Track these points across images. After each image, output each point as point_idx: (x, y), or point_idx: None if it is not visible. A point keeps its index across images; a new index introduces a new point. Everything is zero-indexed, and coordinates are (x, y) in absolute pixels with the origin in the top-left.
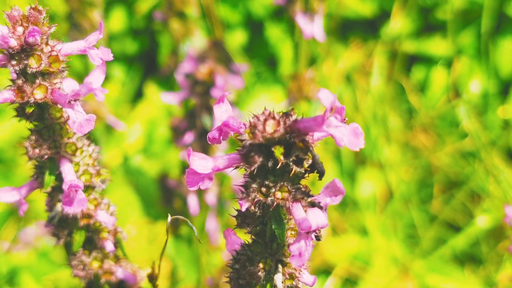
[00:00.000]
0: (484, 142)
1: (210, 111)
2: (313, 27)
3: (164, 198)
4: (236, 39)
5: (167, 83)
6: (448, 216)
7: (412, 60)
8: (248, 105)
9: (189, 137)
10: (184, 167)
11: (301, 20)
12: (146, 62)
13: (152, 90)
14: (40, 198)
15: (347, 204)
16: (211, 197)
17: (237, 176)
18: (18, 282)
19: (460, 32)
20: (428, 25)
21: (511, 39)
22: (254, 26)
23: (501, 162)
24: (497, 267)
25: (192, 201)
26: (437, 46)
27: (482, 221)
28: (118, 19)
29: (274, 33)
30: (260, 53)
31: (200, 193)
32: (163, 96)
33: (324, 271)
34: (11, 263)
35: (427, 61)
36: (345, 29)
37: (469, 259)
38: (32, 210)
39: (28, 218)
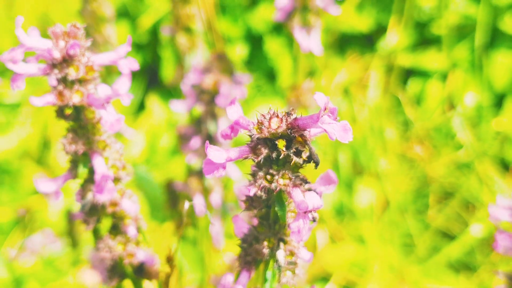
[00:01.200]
0: (478, 153)
1: (215, 118)
2: (310, 41)
3: (170, 201)
4: (237, 52)
5: (169, 96)
6: (444, 225)
7: (408, 74)
8: (248, 116)
9: (195, 142)
10: (190, 171)
11: (298, 35)
12: (148, 75)
13: (154, 103)
14: (44, 208)
15: (344, 214)
16: (216, 199)
17: (238, 181)
18: None
19: (454, 46)
20: (424, 40)
21: (504, 53)
22: (254, 40)
23: (495, 172)
24: (491, 275)
25: (198, 203)
26: (432, 60)
27: (476, 230)
28: (121, 34)
29: (274, 47)
30: (260, 67)
31: (205, 195)
32: (172, 104)
33: (323, 278)
34: (17, 271)
35: (423, 74)
36: (343, 43)
37: (464, 267)
38: (38, 219)
39: (34, 227)
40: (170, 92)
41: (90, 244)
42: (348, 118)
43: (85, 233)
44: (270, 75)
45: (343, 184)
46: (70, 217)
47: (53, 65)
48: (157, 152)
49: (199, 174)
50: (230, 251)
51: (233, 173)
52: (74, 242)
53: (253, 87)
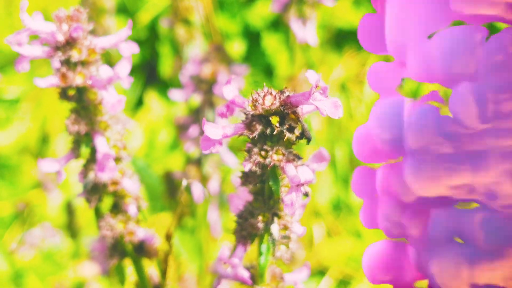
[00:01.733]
0: None
1: (212, 106)
2: (306, 32)
3: (168, 191)
4: (235, 49)
5: (167, 91)
6: None
7: None
8: None
9: (193, 131)
10: (188, 160)
11: (294, 25)
12: (146, 71)
13: (152, 99)
14: (43, 202)
15: (341, 208)
16: (214, 186)
17: (235, 169)
18: (23, 282)
19: None
20: None
21: None
22: (252, 36)
23: None
24: None
25: (196, 190)
26: None
27: None
28: (119, 29)
29: (271, 43)
30: (258, 63)
31: (204, 183)
32: (171, 94)
33: (319, 272)
34: (17, 264)
35: None
36: (340, 39)
37: None
38: (37, 213)
39: (33, 221)
40: (168, 88)
41: (90, 235)
42: (345, 114)
43: (84, 226)
44: (268, 71)
45: (340, 179)
46: (69, 209)
47: (57, 48)
48: (155, 148)
49: (198, 162)
50: (228, 240)
51: (229, 160)
52: (73, 234)
53: (250, 82)
